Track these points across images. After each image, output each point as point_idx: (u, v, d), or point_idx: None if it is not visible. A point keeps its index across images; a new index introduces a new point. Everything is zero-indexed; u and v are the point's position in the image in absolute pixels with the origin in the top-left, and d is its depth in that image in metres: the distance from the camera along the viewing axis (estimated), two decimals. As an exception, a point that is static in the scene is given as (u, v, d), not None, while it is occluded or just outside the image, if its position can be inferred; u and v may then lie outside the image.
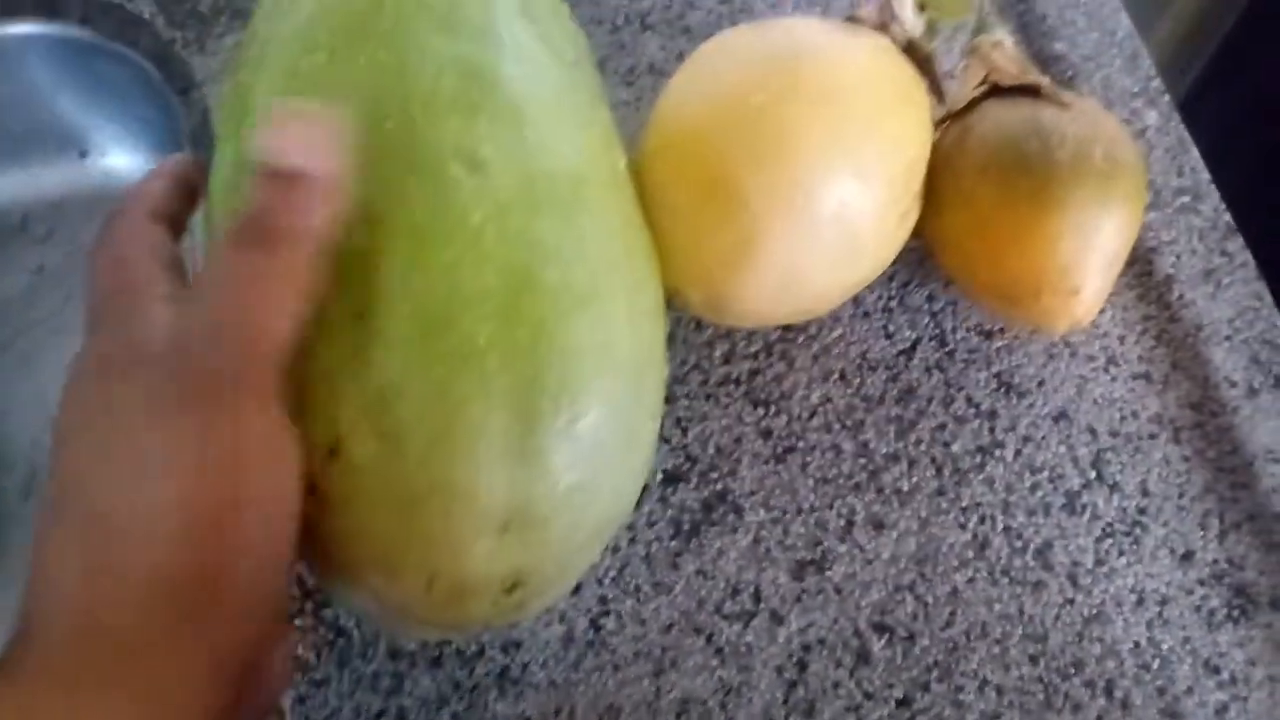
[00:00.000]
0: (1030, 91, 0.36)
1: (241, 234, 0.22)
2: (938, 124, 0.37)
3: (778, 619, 0.35)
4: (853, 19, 0.36)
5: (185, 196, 0.28)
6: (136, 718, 0.20)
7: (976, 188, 0.35)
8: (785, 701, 0.34)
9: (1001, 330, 0.40)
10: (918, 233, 0.36)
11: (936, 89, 0.38)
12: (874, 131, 0.32)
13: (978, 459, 0.38)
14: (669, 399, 0.38)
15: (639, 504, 0.36)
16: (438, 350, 0.24)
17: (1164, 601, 0.36)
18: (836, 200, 0.32)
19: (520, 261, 0.24)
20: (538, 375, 0.24)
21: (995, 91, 0.36)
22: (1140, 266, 0.41)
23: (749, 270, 0.33)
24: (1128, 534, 0.37)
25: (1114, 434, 0.38)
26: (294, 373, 0.23)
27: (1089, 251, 0.34)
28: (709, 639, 0.35)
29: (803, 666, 0.34)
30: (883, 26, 0.35)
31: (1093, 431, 0.38)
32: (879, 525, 0.36)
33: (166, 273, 0.24)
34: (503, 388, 0.24)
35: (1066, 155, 0.33)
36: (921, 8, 0.36)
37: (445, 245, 0.24)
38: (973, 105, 0.36)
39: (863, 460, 0.37)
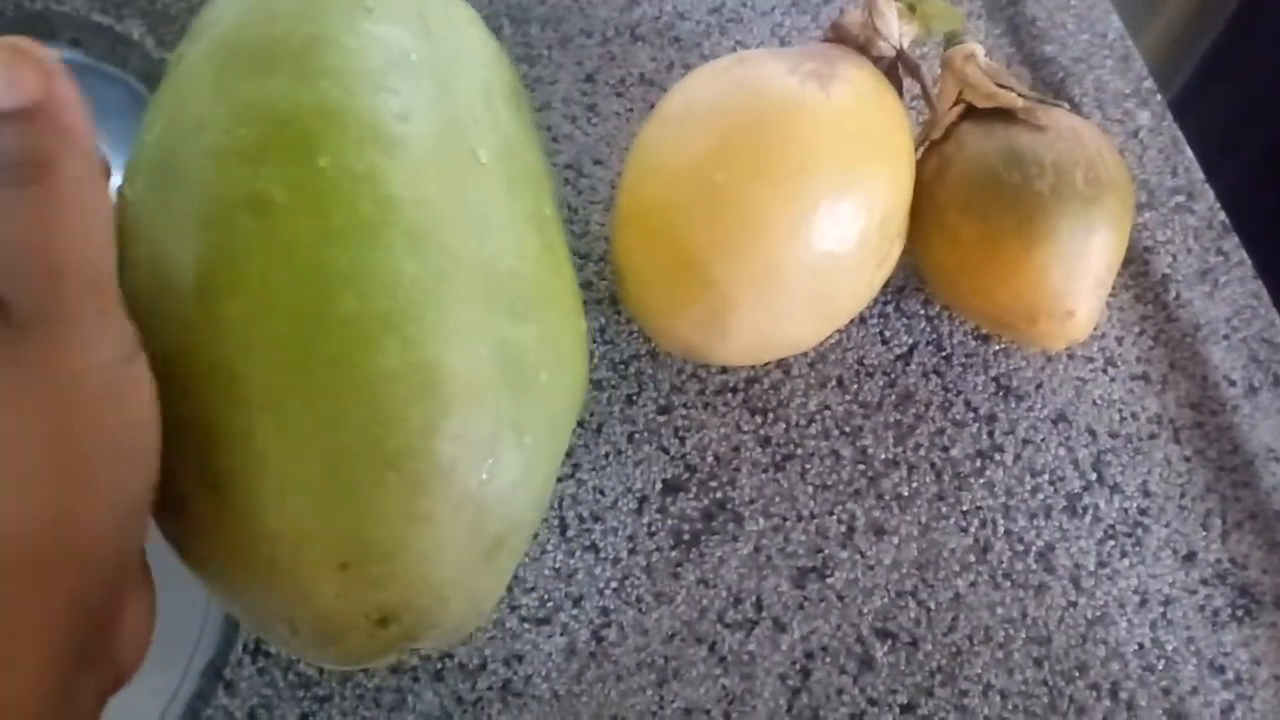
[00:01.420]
0: (1005, 114, 0.35)
1: None
2: (918, 146, 0.37)
3: (780, 626, 0.35)
4: (836, 28, 0.36)
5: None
6: None
7: (960, 224, 0.35)
8: (789, 709, 0.34)
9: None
10: (908, 250, 0.36)
11: (927, 98, 0.38)
12: (844, 197, 0.32)
13: (977, 463, 0.38)
14: (666, 409, 0.38)
15: (639, 513, 0.36)
16: (239, 402, 0.24)
17: (1167, 602, 0.36)
18: (808, 270, 0.32)
19: (310, 299, 0.24)
20: (341, 414, 0.24)
21: (970, 113, 0.36)
22: (1136, 266, 0.41)
23: (721, 339, 0.33)
24: (1130, 535, 0.37)
25: (1114, 435, 0.38)
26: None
27: (1079, 276, 0.34)
28: (712, 648, 0.35)
29: (806, 674, 0.34)
30: (866, 42, 0.35)
31: (1092, 433, 0.38)
32: (880, 531, 0.36)
33: None
34: (305, 432, 0.23)
35: (1047, 185, 0.33)
36: (911, 9, 0.36)
37: (232, 297, 0.24)
38: (949, 132, 0.36)
39: (862, 466, 0.37)
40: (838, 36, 0.36)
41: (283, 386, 0.24)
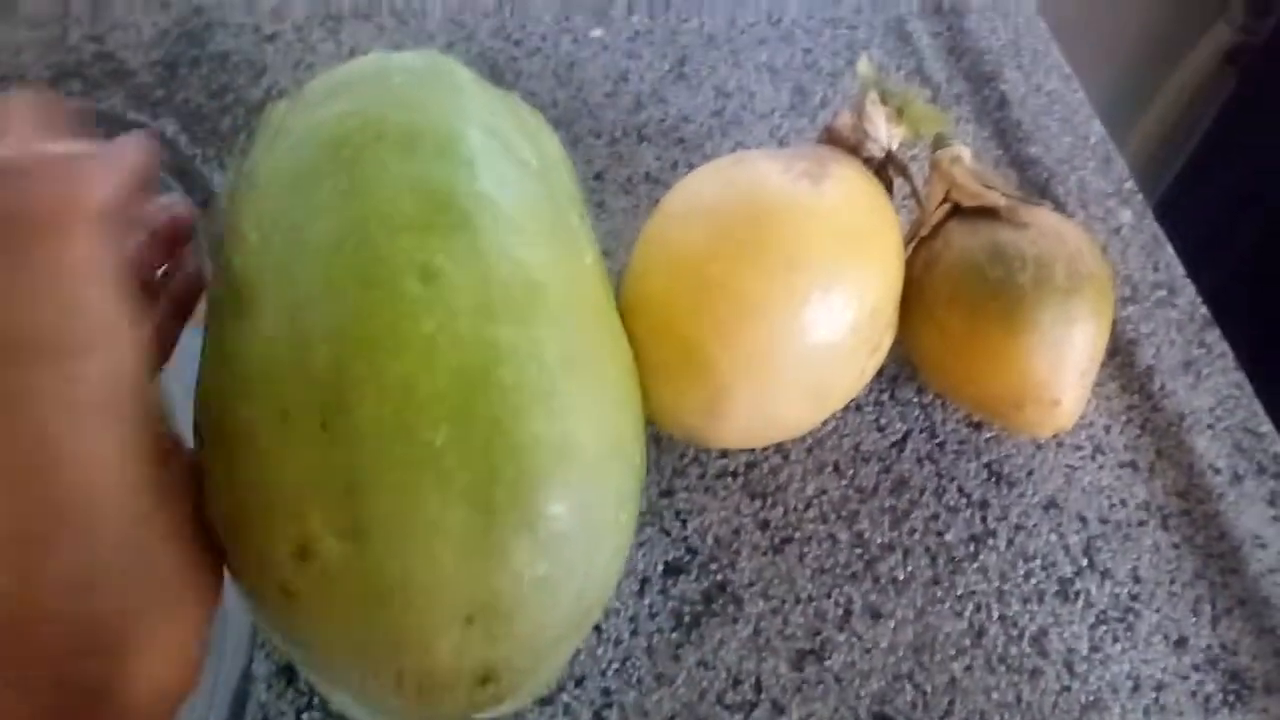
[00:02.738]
0: (989, 212, 0.37)
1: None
2: (908, 242, 0.39)
3: (779, 709, 0.35)
4: (829, 130, 0.38)
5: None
6: None
7: (947, 317, 0.36)
8: (788, 792, 0.34)
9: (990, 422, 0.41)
10: (900, 340, 0.38)
11: (916, 196, 0.40)
12: (835, 288, 0.33)
13: (971, 548, 0.39)
14: (668, 492, 0.39)
15: (641, 594, 0.37)
16: (395, 454, 0.25)
17: (1160, 687, 0.36)
18: (802, 357, 0.33)
19: (474, 364, 0.26)
20: (494, 471, 0.25)
21: (957, 211, 0.38)
22: (1122, 358, 0.43)
23: (721, 420, 0.35)
24: (1121, 620, 0.37)
25: (1104, 521, 0.39)
26: (262, 481, 0.25)
27: (1063, 365, 0.35)
28: (711, 730, 0.35)
29: (804, 756, 0.35)
30: (857, 144, 0.37)
31: (1083, 519, 0.39)
32: (876, 614, 0.37)
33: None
34: (460, 485, 0.25)
35: (1029, 278, 0.35)
36: (899, 113, 0.38)
37: (399, 354, 0.25)
38: (936, 230, 0.38)
39: (859, 550, 0.38)
40: (830, 138, 0.38)
41: (443, 441, 0.25)
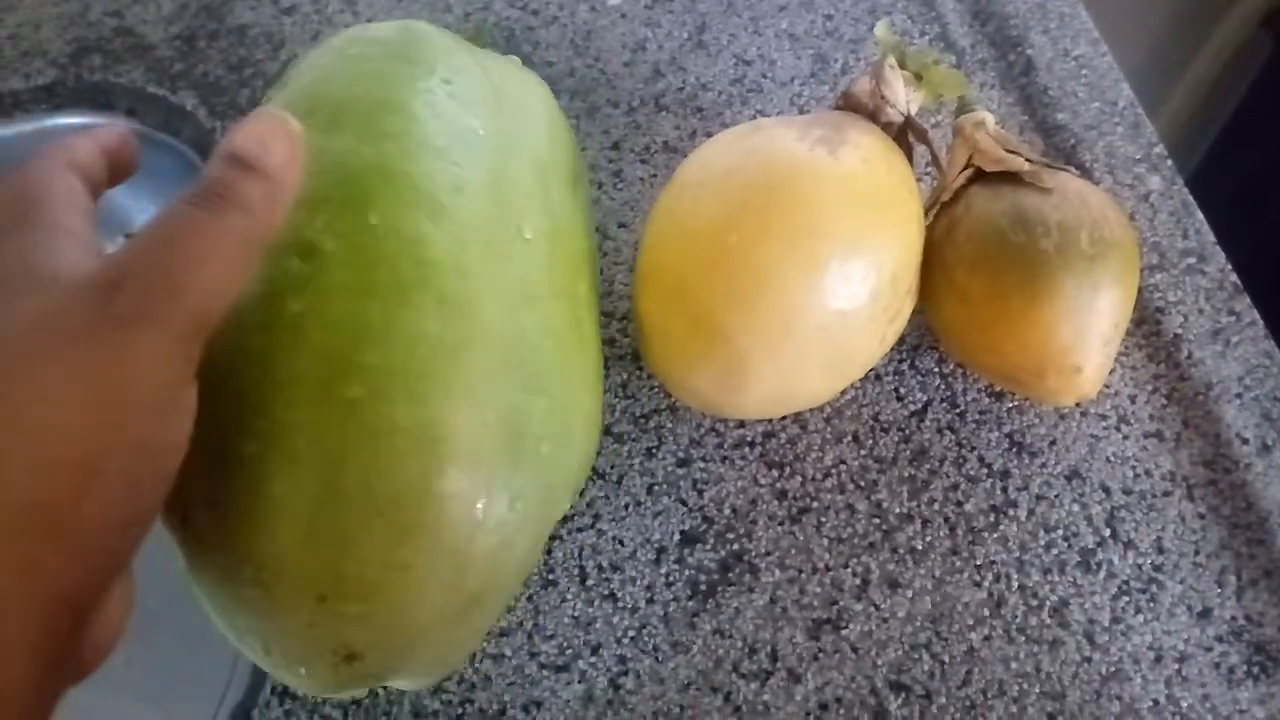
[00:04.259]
0: (1012, 177, 0.37)
1: (189, 196, 0.23)
2: (929, 209, 0.38)
3: (795, 678, 0.35)
4: (847, 96, 0.37)
5: (111, 167, 0.28)
6: None
7: (969, 283, 0.36)
8: (803, 761, 0.34)
9: (1011, 392, 0.40)
10: (920, 309, 0.37)
11: (937, 162, 0.40)
12: (854, 255, 0.33)
13: (991, 518, 0.38)
14: (685, 461, 0.39)
15: (657, 563, 0.37)
16: (251, 429, 0.25)
17: (1182, 659, 0.36)
18: (821, 326, 0.33)
19: (338, 345, 0.25)
20: (345, 454, 0.25)
21: (979, 176, 0.37)
22: (1149, 326, 0.42)
23: (738, 392, 0.34)
24: (1144, 591, 0.37)
25: (1127, 492, 0.39)
26: None
27: (1086, 333, 0.35)
28: (727, 697, 0.35)
29: (820, 725, 0.35)
30: (875, 109, 0.37)
31: (1106, 490, 0.39)
32: (894, 584, 0.37)
33: (78, 217, 0.24)
34: (310, 466, 0.25)
35: (1052, 244, 0.34)
36: (918, 77, 0.37)
37: (263, 332, 0.26)
38: (958, 195, 0.37)
39: (877, 520, 0.38)
40: (848, 104, 0.37)
41: (296, 420, 0.25)
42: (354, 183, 0.27)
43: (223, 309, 0.23)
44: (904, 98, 0.37)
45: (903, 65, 0.37)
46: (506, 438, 0.27)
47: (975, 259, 0.35)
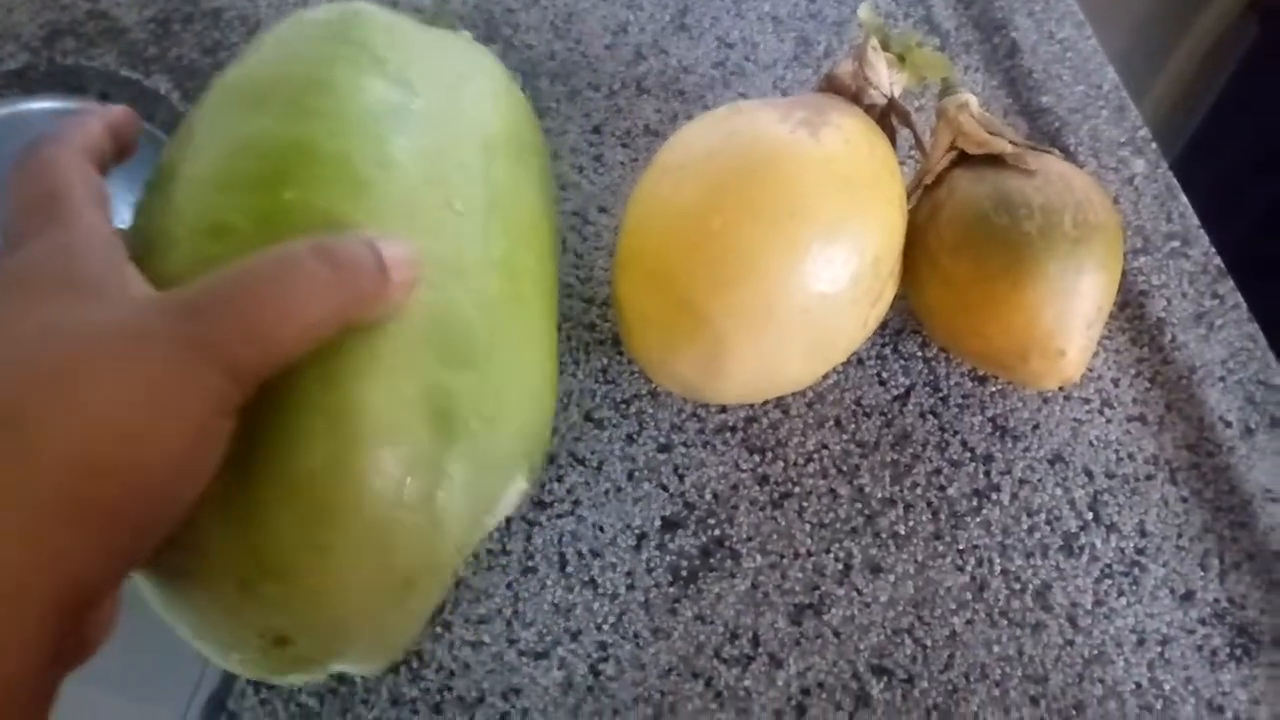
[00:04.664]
0: (995, 159, 0.36)
1: (316, 246, 0.24)
2: (911, 192, 0.38)
3: (776, 663, 0.35)
4: (830, 78, 0.37)
5: (115, 149, 0.28)
6: None
7: (952, 266, 0.35)
8: (785, 746, 0.34)
9: (994, 376, 0.40)
10: (904, 293, 0.37)
11: (920, 145, 0.39)
12: (836, 238, 0.32)
13: (974, 502, 0.38)
14: (666, 447, 0.38)
15: (638, 549, 0.37)
16: None
17: (1165, 642, 0.36)
18: (803, 310, 0.32)
19: None
20: (256, 434, 0.24)
21: (963, 159, 0.37)
22: (1132, 310, 0.42)
23: (720, 377, 0.34)
24: (1126, 574, 0.37)
25: (1110, 476, 0.38)
26: None
27: (1069, 316, 0.34)
28: (708, 683, 0.35)
29: (801, 710, 0.34)
30: (858, 91, 0.36)
31: (1089, 473, 0.39)
32: (876, 569, 0.37)
33: (100, 212, 0.25)
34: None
35: (1035, 226, 0.34)
36: (901, 59, 0.37)
37: None
38: (941, 178, 0.37)
39: (859, 505, 0.38)
40: (830, 86, 0.37)
41: None
42: (270, 161, 0.27)
43: (285, 363, 0.23)
44: (887, 80, 0.37)
45: (886, 47, 0.37)
46: (429, 414, 0.26)
47: (958, 242, 0.35)
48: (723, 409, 0.39)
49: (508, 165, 0.33)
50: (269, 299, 0.23)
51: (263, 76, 0.30)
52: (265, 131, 0.28)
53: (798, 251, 0.32)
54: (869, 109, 0.37)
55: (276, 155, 0.27)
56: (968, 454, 0.39)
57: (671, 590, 0.36)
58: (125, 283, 0.24)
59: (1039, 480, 0.38)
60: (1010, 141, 0.37)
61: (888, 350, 0.41)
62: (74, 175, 0.25)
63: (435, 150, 0.30)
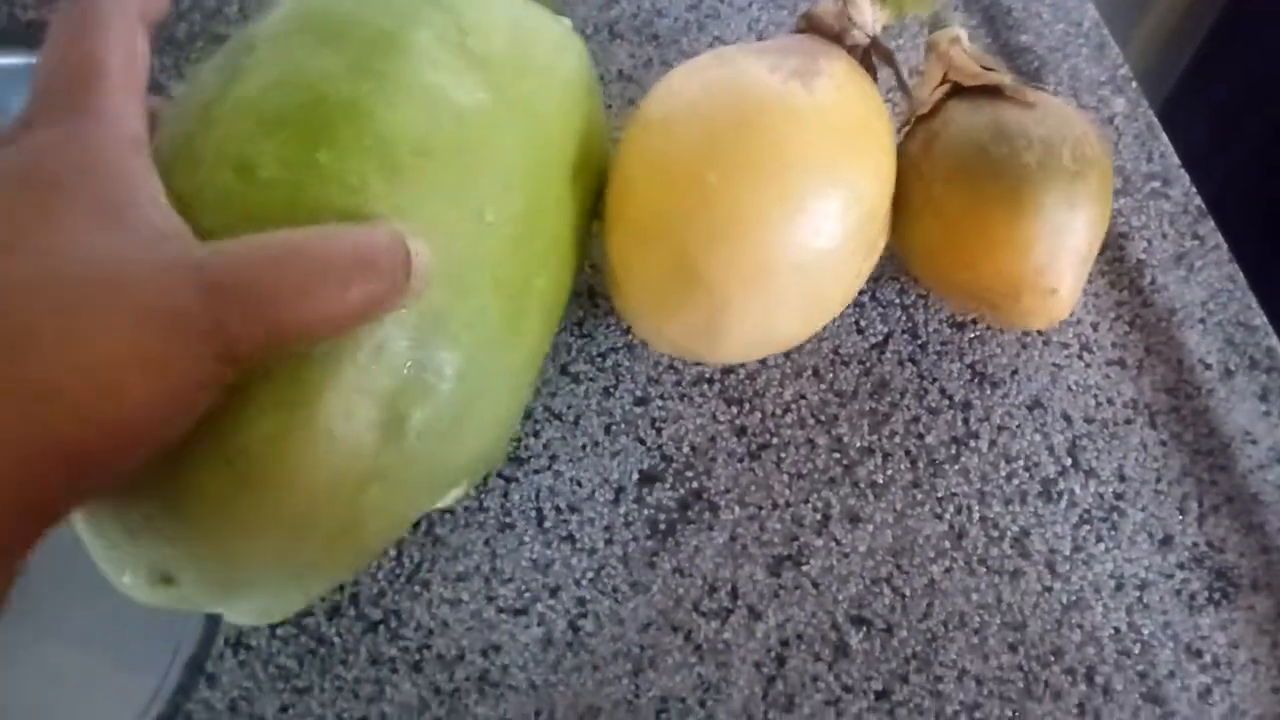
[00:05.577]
0: (992, 91, 0.35)
1: (358, 255, 0.23)
2: (902, 127, 0.37)
3: (755, 615, 0.35)
4: (810, 18, 0.36)
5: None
6: None
7: (946, 196, 0.35)
8: (765, 697, 0.34)
9: (973, 321, 0.40)
10: (889, 235, 0.36)
11: (903, 85, 0.38)
12: (830, 189, 0.32)
13: (952, 450, 0.38)
14: (643, 400, 0.38)
15: (616, 503, 0.36)
16: None
17: (1143, 586, 0.36)
18: (797, 264, 0.32)
19: None
20: None
21: (957, 91, 0.36)
22: (1112, 253, 0.41)
23: (720, 336, 0.33)
24: (1105, 520, 0.37)
25: (1089, 420, 0.38)
26: None
27: (1063, 252, 0.34)
28: (687, 636, 0.35)
29: (781, 661, 0.34)
30: (841, 32, 0.35)
31: (1068, 419, 0.38)
32: (855, 519, 0.37)
33: (135, 105, 0.24)
34: None
35: (1034, 158, 0.33)
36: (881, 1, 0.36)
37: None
38: (936, 109, 0.36)
39: (837, 455, 0.38)
40: (811, 26, 0.36)
41: None
42: (318, 111, 0.26)
43: (287, 348, 0.23)
44: (870, 17, 0.36)
45: (865, -16, 0.36)
46: (381, 418, 0.25)
47: (954, 172, 0.34)
48: (699, 361, 0.39)
49: (558, 179, 0.31)
50: (294, 297, 0.22)
51: (343, 11, 0.28)
52: (324, 77, 0.26)
53: (795, 205, 0.31)
54: (851, 49, 0.36)
55: (326, 108, 0.26)
56: (946, 401, 0.39)
57: (650, 544, 0.36)
58: (146, 205, 0.22)
59: (1018, 426, 0.38)
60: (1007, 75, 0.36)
61: (865, 298, 0.40)
62: (118, 45, 0.23)
63: (484, 150, 0.28)
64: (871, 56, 0.37)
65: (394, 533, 0.29)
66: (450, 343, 0.27)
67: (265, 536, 0.25)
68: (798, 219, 0.31)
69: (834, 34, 0.36)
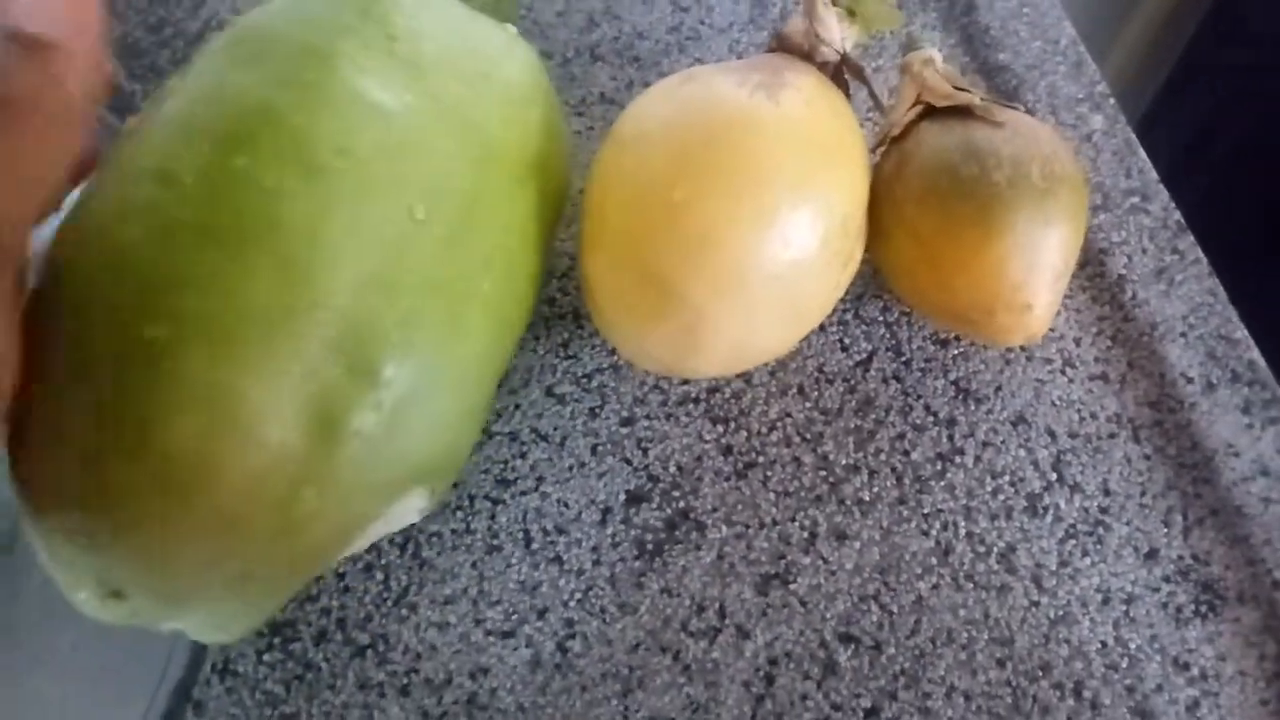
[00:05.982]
0: (963, 112, 0.36)
1: None
2: (875, 147, 0.37)
3: (744, 634, 0.35)
4: (780, 37, 0.36)
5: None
6: None
7: (919, 218, 0.35)
8: (754, 716, 0.34)
9: (956, 338, 0.40)
10: (867, 251, 0.37)
11: (877, 102, 0.39)
12: (802, 202, 0.32)
13: (938, 466, 0.38)
14: (629, 420, 0.38)
15: (603, 524, 0.36)
16: (54, 359, 0.25)
17: (1130, 600, 0.36)
18: (775, 277, 0.32)
19: (159, 280, 0.25)
20: (126, 391, 0.24)
21: (929, 113, 0.37)
22: (1093, 268, 0.42)
23: (698, 351, 0.33)
24: (1091, 534, 0.37)
25: (1073, 435, 0.38)
26: None
27: (1037, 269, 0.34)
28: (676, 656, 0.35)
29: (770, 680, 0.34)
30: (810, 49, 0.36)
31: (1052, 434, 0.38)
32: (842, 536, 0.37)
33: None
34: (101, 398, 0.24)
35: (1003, 177, 0.34)
36: (850, 13, 0.36)
37: (97, 251, 0.26)
38: (908, 130, 0.37)
39: (823, 472, 0.38)
40: (781, 45, 0.36)
41: (98, 352, 0.24)
42: (234, 121, 0.26)
43: (22, 233, 0.22)
44: (838, 35, 0.36)
45: (836, 2, 0.36)
46: (313, 421, 0.25)
47: (926, 193, 0.35)
48: (685, 380, 0.39)
49: (500, 182, 0.31)
50: None
51: (270, 31, 0.29)
52: (243, 89, 0.27)
53: (766, 217, 0.32)
54: (822, 67, 0.36)
55: (241, 117, 0.26)
56: (931, 418, 0.39)
57: (637, 564, 0.36)
58: None
59: (1002, 442, 0.38)
60: (978, 95, 0.36)
61: (849, 316, 0.40)
62: None
63: (413, 149, 0.28)
64: (843, 73, 0.37)
65: (341, 541, 0.28)
66: (379, 341, 0.26)
67: (193, 542, 0.25)
68: (769, 229, 0.32)
69: (804, 51, 0.36)
